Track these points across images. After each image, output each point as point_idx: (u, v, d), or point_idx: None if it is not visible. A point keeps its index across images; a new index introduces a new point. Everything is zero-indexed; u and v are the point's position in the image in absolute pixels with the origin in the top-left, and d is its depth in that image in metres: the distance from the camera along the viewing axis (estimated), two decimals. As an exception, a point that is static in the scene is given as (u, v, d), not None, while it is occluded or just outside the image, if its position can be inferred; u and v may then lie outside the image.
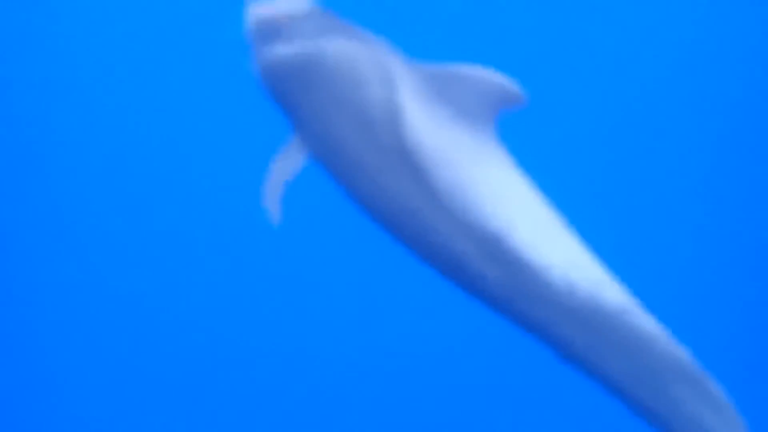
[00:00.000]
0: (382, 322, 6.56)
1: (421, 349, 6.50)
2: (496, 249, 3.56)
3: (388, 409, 6.66)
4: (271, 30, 3.76)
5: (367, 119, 3.59)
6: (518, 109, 3.71)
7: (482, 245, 3.56)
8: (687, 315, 5.41)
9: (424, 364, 6.55)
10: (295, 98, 3.70)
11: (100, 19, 6.18)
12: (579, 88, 6.17)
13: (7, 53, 6.12)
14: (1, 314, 6.78)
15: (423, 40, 4.38)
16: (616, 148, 6.18)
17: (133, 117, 5.95)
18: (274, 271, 6.54)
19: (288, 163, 3.77)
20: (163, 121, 5.60)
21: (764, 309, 5.83)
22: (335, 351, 6.84)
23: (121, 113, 5.99)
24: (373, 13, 4.26)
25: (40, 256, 6.83)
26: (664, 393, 3.60)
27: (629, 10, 6.05)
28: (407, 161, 3.56)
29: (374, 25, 3.93)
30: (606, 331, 3.58)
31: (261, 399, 6.87)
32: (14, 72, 6.10)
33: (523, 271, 3.57)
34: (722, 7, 6.00)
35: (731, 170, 6.04)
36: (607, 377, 3.64)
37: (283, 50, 3.71)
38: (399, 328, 6.59)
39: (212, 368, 6.91)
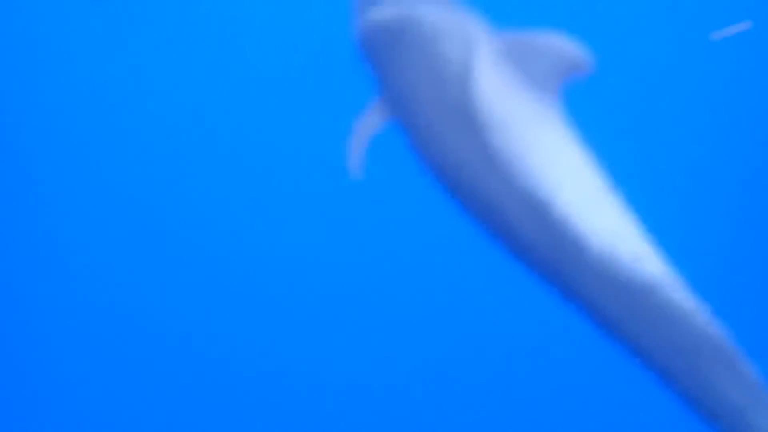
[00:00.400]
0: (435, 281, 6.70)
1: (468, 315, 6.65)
2: (542, 213, 3.67)
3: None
4: None
5: (442, 78, 3.77)
6: (585, 76, 3.85)
7: (530, 208, 3.68)
8: (725, 292, 5.44)
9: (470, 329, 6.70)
10: (384, 59, 3.92)
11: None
12: (646, 60, 6.22)
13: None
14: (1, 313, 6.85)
15: (508, 10, 4.50)
16: (676, 125, 6.23)
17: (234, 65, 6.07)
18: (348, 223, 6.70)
19: (372, 122, 3.97)
20: (263, 76, 5.69)
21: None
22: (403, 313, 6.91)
23: (226, 63, 6.10)
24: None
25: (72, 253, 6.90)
26: (697, 368, 3.64)
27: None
28: (471, 121, 3.72)
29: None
30: (642, 302, 3.65)
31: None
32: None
33: (565, 237, 3.66)
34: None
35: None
36: (640, 347, 3.70)
37: (380, 14, 3.93)
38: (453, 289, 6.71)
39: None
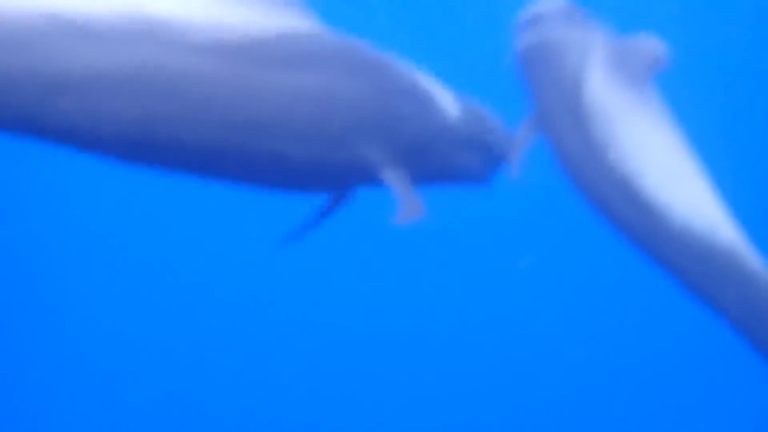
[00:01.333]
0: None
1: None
2: (630, 191, 4.20)
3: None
4: (530, 21, 4.67)
5: (563, 83, 4.42)
6: (665, 67, 4.46)
7: (623, 189, 4.22)
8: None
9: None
10: (532, 74, 4.59)
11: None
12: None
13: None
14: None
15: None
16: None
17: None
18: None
19: (529, 131, 4.60)
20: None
21: None
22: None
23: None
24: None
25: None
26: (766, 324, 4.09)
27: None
28: (580, 115, 4.32)
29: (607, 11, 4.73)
30: (716, 267, 4.09)
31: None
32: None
33: (650, 212, 4.17)
34: None
35: None
36: (718, 307, 4.16)
37: (531, 36, 4.63)
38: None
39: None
